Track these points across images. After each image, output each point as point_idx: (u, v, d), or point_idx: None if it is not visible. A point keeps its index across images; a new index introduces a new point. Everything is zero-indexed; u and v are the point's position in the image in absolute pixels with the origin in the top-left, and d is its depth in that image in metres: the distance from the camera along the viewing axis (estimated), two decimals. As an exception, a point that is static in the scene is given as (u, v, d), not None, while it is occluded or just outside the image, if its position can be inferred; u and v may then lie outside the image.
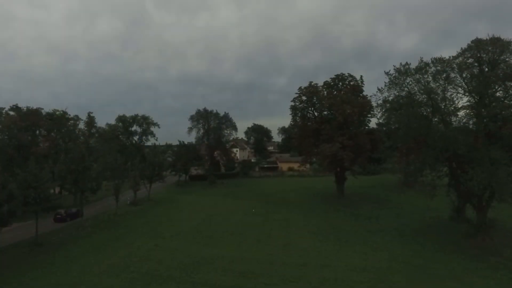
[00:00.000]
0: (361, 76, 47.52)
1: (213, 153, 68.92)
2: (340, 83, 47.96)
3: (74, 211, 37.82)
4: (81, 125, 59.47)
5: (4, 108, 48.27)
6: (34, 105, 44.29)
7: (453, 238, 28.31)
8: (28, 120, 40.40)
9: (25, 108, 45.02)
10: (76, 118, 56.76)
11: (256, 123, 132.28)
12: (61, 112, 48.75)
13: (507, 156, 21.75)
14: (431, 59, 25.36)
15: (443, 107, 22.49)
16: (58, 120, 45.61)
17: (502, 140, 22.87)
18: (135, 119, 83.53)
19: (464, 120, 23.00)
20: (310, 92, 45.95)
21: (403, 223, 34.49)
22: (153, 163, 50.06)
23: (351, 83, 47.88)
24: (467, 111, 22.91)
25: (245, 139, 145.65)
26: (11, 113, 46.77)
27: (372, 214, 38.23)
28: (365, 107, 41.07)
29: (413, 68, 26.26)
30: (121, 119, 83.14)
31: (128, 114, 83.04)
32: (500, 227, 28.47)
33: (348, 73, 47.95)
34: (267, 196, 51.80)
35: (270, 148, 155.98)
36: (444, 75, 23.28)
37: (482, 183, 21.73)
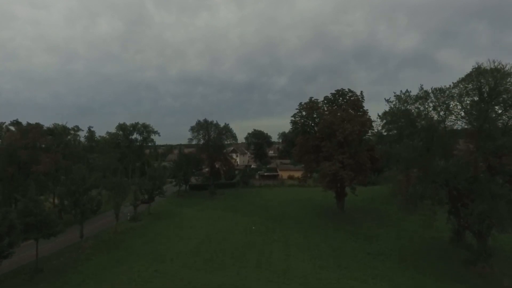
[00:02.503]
0: (361, 91, 47.62)
1: (214, 164, 68.92)
2: (341, 98, 48.03)
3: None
4: (82, 136, 60.20)
5: (5, 122, 48.45)
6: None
7: (453, 264, 28.33)
8: (28, 137, 40.42)
9: (25, 123, 45.24)
10: (77, 129, 56.85)
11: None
12: (62, 126, 48.79)
13: (508, 190, 21.73)
14: (431, 89, 25.35)
15: (443, 143, 22.49)
16: (59, 136, 45.69)
17: (503, 172, 22.85)
18: (135, 127, 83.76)
19: (464, 155, 22.92)
20: (310, 108, 45.95)
21: (403, 245, 34.50)
22: (153, 178, 50.03)
23: (351, 98, 47.96)
24: (469, 145, 22.93)
25: (245, 140, 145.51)
26: (11, 128, 46.89)
27: (372, 234, 38.25)
28: (366, 125, 41.06)
29: (414, 96, 26.27)
30: (122, 127, 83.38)
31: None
32: (500, 255, 28.47)
33: (348, 89, 48.12)
34: (267, 210, 51.79)
35: (271, 152, 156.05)
36: (445, 106, 23.28)
37: (482, 216, 21.73)
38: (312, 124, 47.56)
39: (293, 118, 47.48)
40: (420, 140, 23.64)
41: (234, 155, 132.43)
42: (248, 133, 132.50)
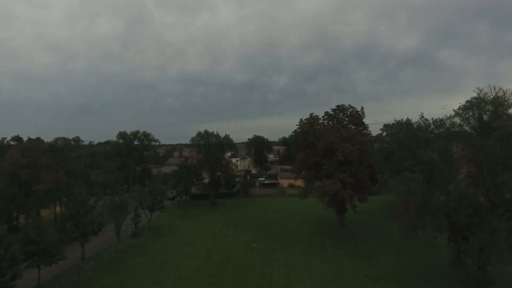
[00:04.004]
0: (362, 107, 47.64)
1: (214, 174, 69.06)
2: (341, 114, 48.11)
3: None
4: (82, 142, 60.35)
5: (6, 138, 48.56)
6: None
7: (454, 289, 28.43)
8: (29, 155, 40.54)
9: (26, 138, 45.45)
10: (77, 140, 57.07)
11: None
12: (62, 139, 48.88)
13: (508, 225, 21.82)
14: (432, 119, 25.40)
15: (443, 178, 22.57)
16: (60, 152, 45.79)
17: (502, 204, 22.93)
18: (136, 135, 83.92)
19: (464, 190, 22.98)
20: (311, 124, 46.01)
21: (403, 266, 34.58)
22: (154, 192, 50.17)
23: (352, 112, 48.05)
24: (468, 181, 23.05)
25: (246, 142, 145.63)
26: (13, 143, 47.00)
27: (372, 253, 38.36)
28: (366, 144, 41.13)
29: (415, 124, 26.30)
30: (122, 135, 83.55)
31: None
32: (503, 278, 28.55)
33: (348, 104, 48.18)
34: (268, 224, 51.96)
35: (271, 156, 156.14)
36: (445, 145, 23.37)
37: (481, 251, 21.82)
38: (313, 140, 47.56)
39: (293, 133, 47.55)
40: (421, 173, 23.75)
41: (234, 160, 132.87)
42: (249, 139, 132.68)
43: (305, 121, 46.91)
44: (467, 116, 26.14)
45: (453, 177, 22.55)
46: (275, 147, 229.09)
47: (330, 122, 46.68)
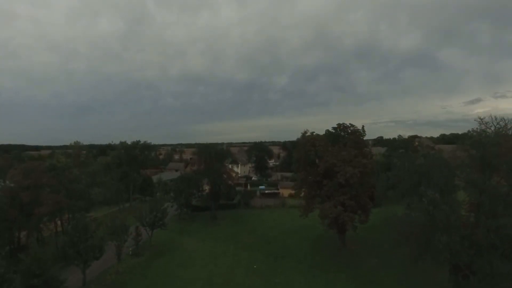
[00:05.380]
0: (363, 126, 47.55)
1: (215, 187, 69.09)
2: (342, 133, 48.08)
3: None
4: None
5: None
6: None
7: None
8: (30, 177, 40.61)
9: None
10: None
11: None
12: (63, 159, 49.03)
13: (510, 266, 21.76)
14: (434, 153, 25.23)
15: (446, 217, 22.50)
16: (60, 171, 45.88)
17: (503, 246, 22.86)
18: (136, 146, 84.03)
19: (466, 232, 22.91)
20: (311, 143, 45.92)
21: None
22: (155, 210, 50.21)
23: (352, 131, 48.02)
24: (470, 220, 22.98)
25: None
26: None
27: (374, 277, 38.35)
28: (367, 167, 41.06)
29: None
30: (123, 145, 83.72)
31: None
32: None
33: (349, 123, 48.12)
34: (269, 242, 51.98)
35: (272, 161, 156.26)
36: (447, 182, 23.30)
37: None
38: (314, 159, 47.47)
39: (294, 154, 47.52)
40: (422, 212, 23.69)
41: (235, 166, 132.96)
42: (249, 144, 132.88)
43: (306, 140, 46.81)
44: (470, 153, 26.06)
45: (454, 218, 22.48)
46: (275, 150, 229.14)
47: (331, 143, 46.53)
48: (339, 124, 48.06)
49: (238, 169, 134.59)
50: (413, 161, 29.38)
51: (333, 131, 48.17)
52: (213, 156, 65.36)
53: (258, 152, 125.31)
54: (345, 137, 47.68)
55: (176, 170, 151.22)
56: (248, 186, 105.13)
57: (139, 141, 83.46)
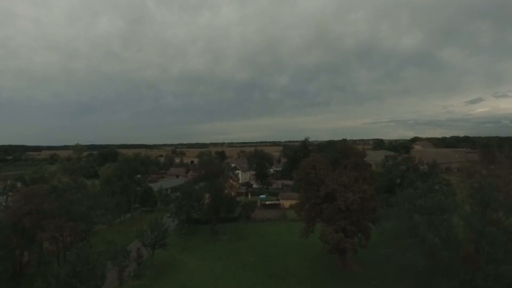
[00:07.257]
0: (363, 148, 47.65)
1: (215, 201, 69.38)
2: (342, 156, 48.28)
3: None
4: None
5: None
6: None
7: None
8: (32, 202, 40.81)
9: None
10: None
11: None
12: (64, 179, 49.25)
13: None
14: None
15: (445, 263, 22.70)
16: (62, 192, 46.11)
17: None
18: (137, 158, 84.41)
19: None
20: (312, 166, 46.12)
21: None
22: (156, 229, 50.47)
23: (354, 152, 48.25)
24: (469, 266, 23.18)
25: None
26: (18, 183, 47.17)
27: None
28: (367, 193, 41.23)
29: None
30: (124, 157, 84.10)
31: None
32: None
33: (350, 145, 48.23)
34: (269, 261, 52.26)
35: (273, 168, 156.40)
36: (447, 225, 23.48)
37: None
38: (314, 177, 47.60)
39: (295, 176, 47.72)
40: (422, 255, 23.86)
41: (235, 173, 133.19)
42: (251, 154, 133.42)
43: (306, 162, 47.02)
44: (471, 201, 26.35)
45: (455, 263, 22.69)
46: (275, 152, 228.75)
47: (331, 165, 46.76)
48: (340, 147, 48.26)
49: (239, 176, 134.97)
50: (413, 200, 29.52)
51: (334, 154, 48.41)
52: (215, 173, 65.56)
53: (259, 160, 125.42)
54: (345, 157, 47.87)
55: (177, 176, 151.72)
56: (249, 195, 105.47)
57: (140, 154, 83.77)
